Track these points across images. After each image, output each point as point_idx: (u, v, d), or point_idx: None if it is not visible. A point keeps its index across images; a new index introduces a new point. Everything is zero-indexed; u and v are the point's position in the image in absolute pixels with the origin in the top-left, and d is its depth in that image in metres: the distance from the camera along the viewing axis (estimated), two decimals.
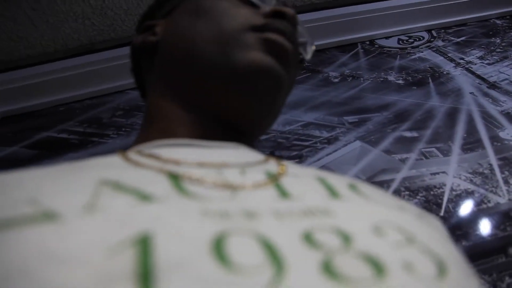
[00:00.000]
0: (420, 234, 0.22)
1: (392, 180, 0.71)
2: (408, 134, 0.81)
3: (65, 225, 0.16)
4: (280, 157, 0.29)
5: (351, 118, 0.86)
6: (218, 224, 0.18)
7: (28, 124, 0.95)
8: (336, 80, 0.98)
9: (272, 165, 0.28)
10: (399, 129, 0.83)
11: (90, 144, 0.87)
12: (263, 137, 0.81)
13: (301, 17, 1.06)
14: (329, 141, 0.80)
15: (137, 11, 1.02)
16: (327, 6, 1.15)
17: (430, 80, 0.97)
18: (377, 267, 0.18)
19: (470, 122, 0.83)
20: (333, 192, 0.24)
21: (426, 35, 1.16)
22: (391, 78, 0.98)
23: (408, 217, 0.24)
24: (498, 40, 1.12)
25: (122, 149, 0.29)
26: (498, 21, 1.22)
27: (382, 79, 0.98)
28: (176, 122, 0.34)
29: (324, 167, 0.74)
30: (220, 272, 0.15)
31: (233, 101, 0.33)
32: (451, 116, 0.86)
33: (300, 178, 0.26)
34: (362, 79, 0.98)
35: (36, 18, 1.01)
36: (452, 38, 1.14)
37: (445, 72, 0.99)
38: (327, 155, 0.77)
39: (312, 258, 0.17)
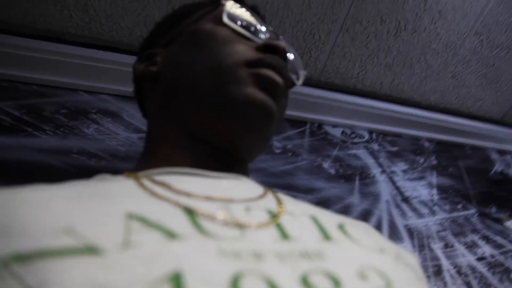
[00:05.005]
0: (397, 280, 0.26)
1: None
2: None
3: (107, 259, 0.18)
4: (274, 189, 0.36)
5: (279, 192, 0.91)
6: (233, 264, 0.21)
7: None
8: (278, 151, 1.04)
9: (271, 202, 0.32)
10: None
11: (22, 132, 0.82)
12: None
13: None
14: None
15: (118, 20, 1.02)
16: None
17: (357, 178, 1.06)
18: None
19: (378, 228, 0.92)
20: (325, 234, 0.28)
21: (367, 135, 1.28)
22: (325, 165, 1.06)
23: (387, 260, 0.29)
24: (421, 160, 1.27)
25: (131, 171, 0.33)
26: (426, 143, 1.39)
27: (317, 163, 1.06)
28: (177, 148, 0.36)
29: None
30: None
31: (226, 131, 0.36)
32: (365, 217, 0.94)
33: (296, 217, 0.30)
34: (300, 157, 1.05)
35: None
36: (387, 146, 1.27)
37: (371, 175, 1.10)
38: None
39: None
